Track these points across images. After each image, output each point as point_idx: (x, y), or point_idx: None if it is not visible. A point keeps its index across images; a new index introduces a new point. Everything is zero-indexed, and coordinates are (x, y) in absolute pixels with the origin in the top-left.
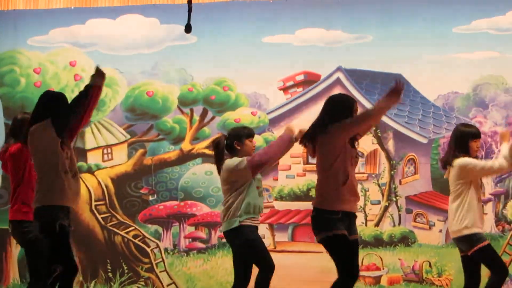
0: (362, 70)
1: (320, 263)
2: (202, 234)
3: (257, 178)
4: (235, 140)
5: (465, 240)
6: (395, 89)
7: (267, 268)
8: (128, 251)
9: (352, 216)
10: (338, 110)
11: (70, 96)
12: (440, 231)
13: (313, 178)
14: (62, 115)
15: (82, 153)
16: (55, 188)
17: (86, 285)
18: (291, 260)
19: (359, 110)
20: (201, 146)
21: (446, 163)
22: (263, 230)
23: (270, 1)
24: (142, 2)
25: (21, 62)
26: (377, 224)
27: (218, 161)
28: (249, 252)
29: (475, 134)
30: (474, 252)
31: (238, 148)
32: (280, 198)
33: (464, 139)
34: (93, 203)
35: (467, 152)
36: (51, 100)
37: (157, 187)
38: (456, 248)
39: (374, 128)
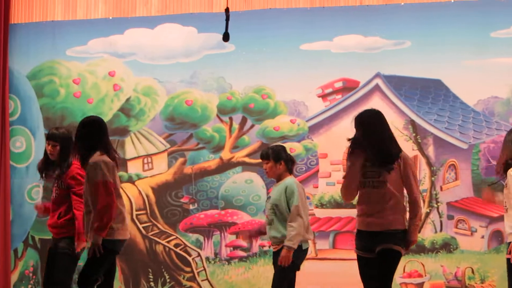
0: (401, 76)
1: None
2: (243, 242)
3: None
4: None
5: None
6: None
7: None
8: (170, 260)
9: None
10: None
11: (110, 106)
12: (482, 237)
13: None
14: None
15: (123, 163)
16: None
17: None
18: (333, 267)
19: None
20: (241, 155)
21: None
22: None
23: (308, 8)
24: (180, 11)
25: (61, 72)
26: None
27: None
28: None
29: None
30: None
31: None
32: (321, 205)
33: None
34: (134, 213)
35: None
36: None
37: (197, 196)
38: (499, 254)
39: (414, 134)
